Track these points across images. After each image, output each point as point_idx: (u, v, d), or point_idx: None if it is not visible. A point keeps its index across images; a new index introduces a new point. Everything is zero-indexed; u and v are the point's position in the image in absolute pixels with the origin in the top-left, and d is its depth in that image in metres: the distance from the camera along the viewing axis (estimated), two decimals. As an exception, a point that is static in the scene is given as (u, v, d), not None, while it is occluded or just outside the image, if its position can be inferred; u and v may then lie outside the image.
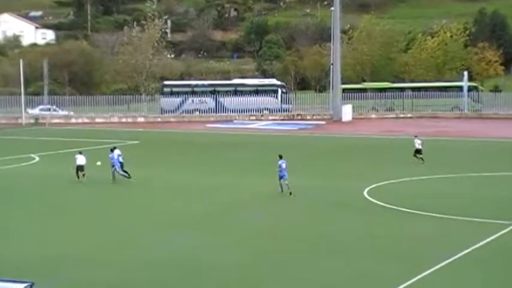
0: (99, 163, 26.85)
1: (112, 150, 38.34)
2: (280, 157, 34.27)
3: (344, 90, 77.74)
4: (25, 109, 76.47)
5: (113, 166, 37.78)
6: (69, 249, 24.89)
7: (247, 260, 23.69)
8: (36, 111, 78.21)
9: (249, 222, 28.96)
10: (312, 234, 27.80)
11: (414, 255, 24.67)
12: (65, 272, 22.26)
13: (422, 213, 30.17)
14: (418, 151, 43.39)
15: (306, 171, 42.24)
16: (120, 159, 38.04)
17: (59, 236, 27.12)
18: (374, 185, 36.61)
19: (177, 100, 79.76)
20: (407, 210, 31.36)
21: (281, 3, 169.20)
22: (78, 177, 37.72)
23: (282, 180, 33.73)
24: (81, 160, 38.06)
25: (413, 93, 79.03)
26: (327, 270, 23.30)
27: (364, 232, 27.89)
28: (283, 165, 33.82)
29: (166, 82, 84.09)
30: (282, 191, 33.80)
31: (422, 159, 42.83)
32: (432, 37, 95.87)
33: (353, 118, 75.45)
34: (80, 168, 37.88)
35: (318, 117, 77.59)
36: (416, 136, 45.17)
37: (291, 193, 33.13)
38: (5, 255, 23.93)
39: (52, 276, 21.66)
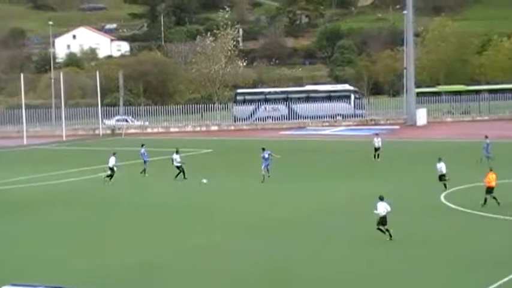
0: (204, 181, 27.37)
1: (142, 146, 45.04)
2: (263, 149, 40.16)
3: (418, 94, 76.78)
4: (102, 120, 78.05)
5: (145, 162, 43.88)
6: (148, 256, 25.20)
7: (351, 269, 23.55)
8: (112, 122, 79.73)
9: (341, 228, 28.77)
10: (399, 240, 27.19)
11: (493, 261, 24.16)
12: (154, 279, 22.57)
13: (500, 217, 29.51)
14: (376, 149, 47.92)
15: (382, 177, 41.82)
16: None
17: (147, 241, 27.47)
18: (451, 190, 36.01)
19: (250, 108, 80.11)
20: (489, 215, 30.72)
21: (353, 9, 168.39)
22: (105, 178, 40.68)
23: (264, 169, 39.17)
24: (111, 161, 40.63)
25: (490, 95, 77.48)
26: (414, 277, 23.02)
27: (444, 237, 27.44)
28: (266, 155, 39.56)
29: (239, 90, 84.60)
30: (263, 180, 38.96)
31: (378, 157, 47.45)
32: (508, 38, 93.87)
33: (428, 122, 74.40)
34: (110, 169, 40.19)
35: (392, 121, 76.79)
36: (377, 134, 50.13)
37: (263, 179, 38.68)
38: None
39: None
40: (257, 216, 32.13)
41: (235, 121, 79.95)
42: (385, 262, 24.25)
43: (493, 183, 31.83)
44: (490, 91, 78.50)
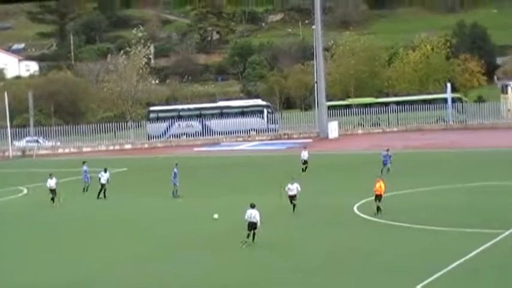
0: (216, 216, 28.31)
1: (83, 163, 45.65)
2: (176, 164, 42.22)
3: (329, 107, 78.08)
4: (11, 142, 76.35)
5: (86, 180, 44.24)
6: (75, 273, 24.91)
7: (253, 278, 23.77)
8: (22, 143, 78.09)
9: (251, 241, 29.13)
10: (309, 250, 27.95)
11: (407, 268, 24.87)
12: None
13: (413, 226, 30.40)
14: (304, 162, 49.22)
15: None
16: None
17: (61, 264, 27.13)
18: (364, 201, 36.83)
19: (163, 125, 79.86)
20: (398, 223, 31.59)
21: (263, 24, 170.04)
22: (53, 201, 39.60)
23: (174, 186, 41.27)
24: (51, 183, 39.93)
25: (398, 107, 79.52)
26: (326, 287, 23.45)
27: (357, 248, 28.08)
28: (175, 170, 41.44)
29: (152, 108, 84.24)
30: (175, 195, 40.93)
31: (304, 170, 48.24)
32: (414, 51, 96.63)
33: (339, 135, 75.77)
34: (52, 191, 39.49)
35: (305, 135, 77.85)
36: (305, 147, 51.85)
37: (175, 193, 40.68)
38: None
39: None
40: (179, 231, 32.22)
41: (149, 139, 79.54)
42: (294, 271, 24.63)
43: (381, 192, 33.55)
44: (398, 103, 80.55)
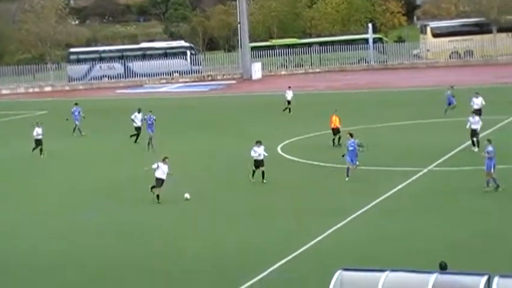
0: (187, 195, 26.75)
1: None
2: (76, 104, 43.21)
3: (253, 48, 77.93)
4: None
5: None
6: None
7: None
8: None
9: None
10: (229, 194, 28.24)
11: (329, 208, 25.44)
12: None
13: (335, 165, 30.94)
14: (289, 102, 47.61)
15: (219, 131, 42.56)
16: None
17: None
18: (287, 141, 37.25)
19: (84, 67, 78.40)
20: (320, 163, 32.13)
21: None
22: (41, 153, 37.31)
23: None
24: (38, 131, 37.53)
25: (321, 47, 79.91)
26: (246, 230, 23.82)
27: (281, 188, 28.50)
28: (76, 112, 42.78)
29: (72, 49, 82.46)
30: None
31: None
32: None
33: (263, 76, 75.90)
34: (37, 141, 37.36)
35: (229, 76, 77.70)
36: (289, 87, 49.40)
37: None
38: None
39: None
40: (95, 178, 32.10)
41: (69, 81, 78.10)
42: (216, 213, 24.94)
43: (336, 125, 35.23)
44: (321, 44, 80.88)
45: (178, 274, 19.92)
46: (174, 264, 20.66)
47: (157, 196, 26.74)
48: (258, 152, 28.94)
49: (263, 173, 28.79)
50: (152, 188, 26.91)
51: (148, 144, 37.40)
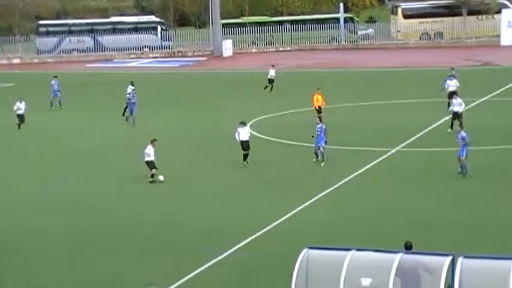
0: (161, 178, 26.19)
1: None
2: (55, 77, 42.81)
3: (224, 25, 77.61)
4: None
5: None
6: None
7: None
8: None
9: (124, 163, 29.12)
10: (195, 172, 28.26)
11: (295, 187, 25.59)
12: None
13: (304, 144, 31.02)
14: (271, 81, 46.93)
15: (189, 108, 42.47)
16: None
17: None
18: (257, 119, 37.28)
19: (53, 40, 77.53)
20: (290, 142, 32.24)
21: None
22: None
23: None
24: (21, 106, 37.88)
25: (292, 26, 79.82)
26: (210, 208, 23.88)
27: (248, 166, 28.56)
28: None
29: (41, 22, 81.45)
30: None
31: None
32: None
33: (234, 53, 75.68)
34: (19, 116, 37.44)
35: (199, 53, 77.33)
36: (273, 65, 49.13)
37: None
38: None
39: None
40: (68, 150, 31.98)
41: (38, 54, 77.24)
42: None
43: (318, 104, 35.91)
44: (292, 22, 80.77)
45: (142, 246, 20.03)
46: (138, 235, 20.80)
47: (152, 175, 26.50)
48: (243, 133, 28.19)
49: (246, 155, 28.37)
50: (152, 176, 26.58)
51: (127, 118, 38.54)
